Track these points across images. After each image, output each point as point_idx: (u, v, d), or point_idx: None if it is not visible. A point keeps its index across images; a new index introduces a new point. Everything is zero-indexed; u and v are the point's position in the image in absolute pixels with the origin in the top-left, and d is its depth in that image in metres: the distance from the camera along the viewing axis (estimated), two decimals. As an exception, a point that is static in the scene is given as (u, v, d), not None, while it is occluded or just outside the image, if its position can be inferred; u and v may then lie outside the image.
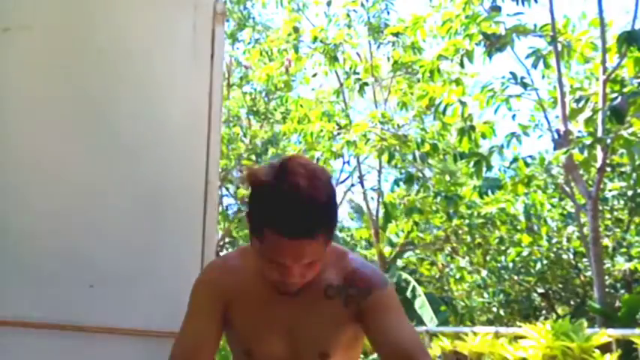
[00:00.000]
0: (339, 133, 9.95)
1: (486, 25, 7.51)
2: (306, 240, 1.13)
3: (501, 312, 10.32)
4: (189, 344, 1.30)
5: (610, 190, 9.51)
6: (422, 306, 9.48)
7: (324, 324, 1.28)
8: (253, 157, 11.23)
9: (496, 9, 7.94)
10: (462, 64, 7.98)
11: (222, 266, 1.37)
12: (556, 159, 7.29)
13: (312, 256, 1.17)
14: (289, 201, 1.12)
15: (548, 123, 8.19)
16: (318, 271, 1.24)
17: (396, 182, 9.61)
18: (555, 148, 7.41)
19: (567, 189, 8.28)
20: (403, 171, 9.82)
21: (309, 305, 1.28)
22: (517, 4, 7.46)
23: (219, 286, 1.32)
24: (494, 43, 7.32)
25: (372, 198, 11.51)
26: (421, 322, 8.98)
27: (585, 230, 8.10)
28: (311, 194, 1.13)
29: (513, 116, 8.17)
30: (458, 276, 11.32)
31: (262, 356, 1.32)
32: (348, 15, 10.36)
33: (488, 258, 11.02)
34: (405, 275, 10.37)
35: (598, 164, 7.05)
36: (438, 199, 9.43)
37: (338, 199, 2.03)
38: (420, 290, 9.81)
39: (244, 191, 11.42)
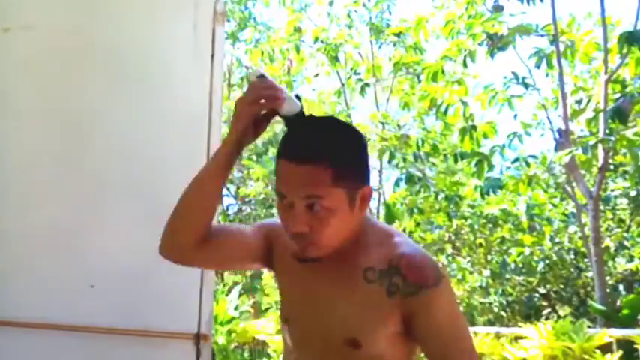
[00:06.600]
0: (340, 134, 9.90)
1: (489, 24, 7.49)
2: (305, 165, 1.08)
3: (502, 312, 10.30)
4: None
5: (612, 190, 9.50)
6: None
7: (357, 308, 1.16)
8: (253, 158, 11.21)
9: (499, 8, 7.94)
10: (464, 64, 7.97)
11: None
12: (559, 159, 7.28)
13: (312, 186, 1.09)
14: (300, 129, 1.16)
15: (550, 123, 8.18)
16: (335, 233, 1.14)
17: (397, 183, 9.58)
18: (557, 148, 7.40)
19: (568, 189, 8.27)
20: (404, 171, 9.80)
21: (344, 286, 1.19)
22: (522, 2, 7.44)
23: (270, 229, 1.33)
24: (497, 43, 7.31)
25: (373, 198, 11.51)
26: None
27: (587, 230, 8.09)
28: (324, 124, 1.18)
29: (515, 116, 8.17)
30: (459, 276, 11.30)
31: (295, 329, 1.29)
32: (350, 15, 10.36)
33: (489, 258, 11.01)
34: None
35: (599, 164, 7.04)
36: (440, 198, 9.42)
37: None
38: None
39: (244, 191, 11.42)
